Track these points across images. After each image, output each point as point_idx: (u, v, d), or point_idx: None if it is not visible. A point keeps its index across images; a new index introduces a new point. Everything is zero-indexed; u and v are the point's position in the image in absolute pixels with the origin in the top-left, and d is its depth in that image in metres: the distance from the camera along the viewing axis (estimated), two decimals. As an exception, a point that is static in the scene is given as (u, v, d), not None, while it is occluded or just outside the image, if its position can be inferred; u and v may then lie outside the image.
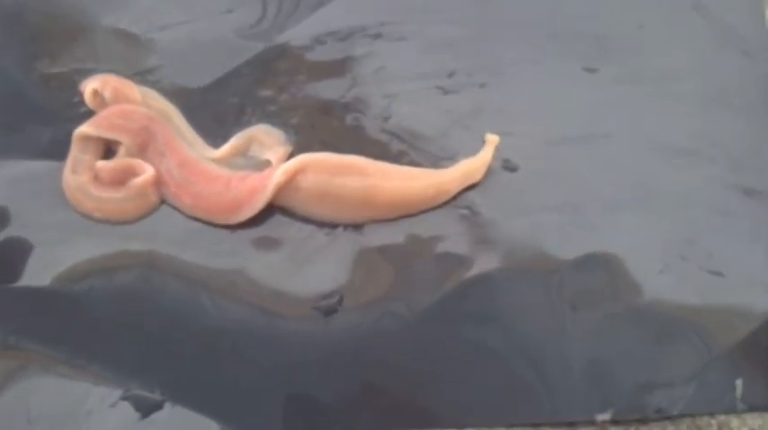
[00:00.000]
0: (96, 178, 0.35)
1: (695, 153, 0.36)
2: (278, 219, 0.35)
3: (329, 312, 0.33)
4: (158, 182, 0.35)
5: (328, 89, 0.38)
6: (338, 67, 0.38)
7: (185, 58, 0.38)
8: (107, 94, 0.36)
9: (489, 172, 0.36)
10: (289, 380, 0.33)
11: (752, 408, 0.32)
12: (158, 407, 0.32)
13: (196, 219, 0.35)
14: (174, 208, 0.35)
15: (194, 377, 0.33)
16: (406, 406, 0.32)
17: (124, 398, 0.32)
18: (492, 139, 0.36)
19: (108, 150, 0.36)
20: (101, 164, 0.35)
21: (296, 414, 0.32)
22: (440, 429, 0.32)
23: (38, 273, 0.34)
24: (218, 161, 0.36)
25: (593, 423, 0.32)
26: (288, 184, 0.34)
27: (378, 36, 0.39)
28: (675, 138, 0.36)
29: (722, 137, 0.36)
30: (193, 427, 0.32)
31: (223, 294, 0.33)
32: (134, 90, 0.37)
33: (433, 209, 0.35)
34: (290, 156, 0.36)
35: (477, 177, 0.35)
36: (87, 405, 0.32)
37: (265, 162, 0.36)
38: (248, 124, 0.37)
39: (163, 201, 0.35)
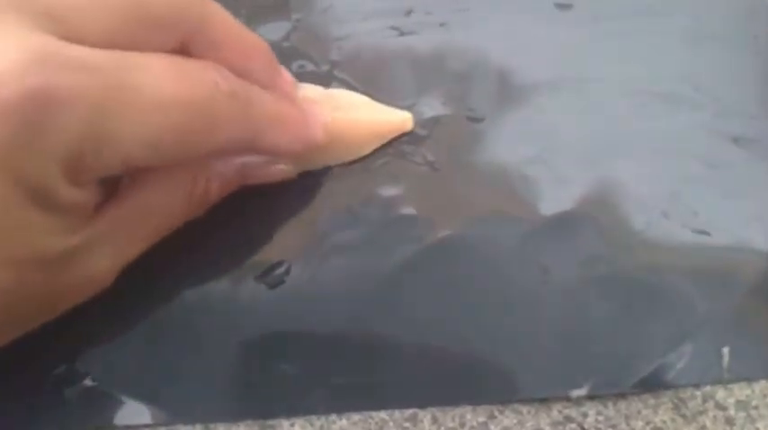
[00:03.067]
0: None
1: (679, 98, 0.32)
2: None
3: (276, 284, 0.30)
4: None
5: (270, 32, 0.34)
6: (281, 7, 0.34)
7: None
8: None
9: (453, 122, 0.32)
10: (232, 360, 0.30)
11: (739, 378, 0.29)
12: (89, 392, 0.29)
13: None
14: None
15: (126, 360, 0.29)
16: (363, 383, 0.29)
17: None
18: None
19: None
20: None
21: (242, 395, 0.29)
22: (398, 409, 0.29)
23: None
24: None
25: (567, 399, 0.29)
26: None
27: (324, -29, 0.35)
28: (657, 82, 0.33)
29: (708, 80, 0.33)
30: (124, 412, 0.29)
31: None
32: None
33: (387, 165, 0.32)
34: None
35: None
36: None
37: None
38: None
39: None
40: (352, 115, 0.31)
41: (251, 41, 0.28)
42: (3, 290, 0.23)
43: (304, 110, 0.29)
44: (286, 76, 0.30)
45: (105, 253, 0.25)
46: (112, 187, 0.26)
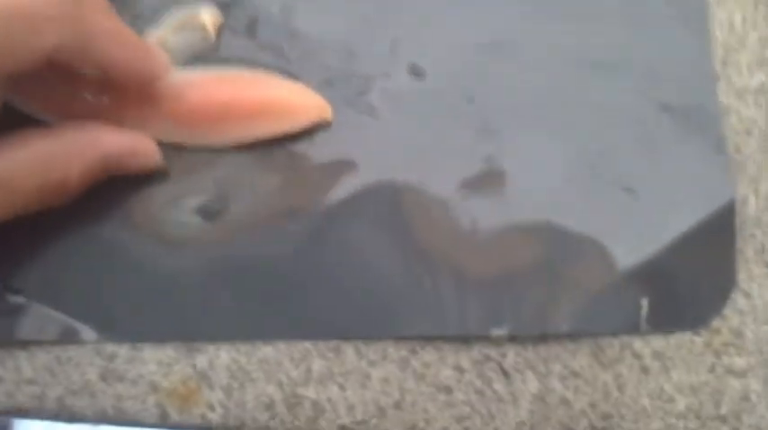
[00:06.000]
0: None
1: (611, 66, 0.34)
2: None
3: (211, 216, 0.31)
4: None
5: None
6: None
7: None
8: None
9: (396, 77, 0.33)
10: (168, 288, 0.30)
11: (656, 330, 0.30)
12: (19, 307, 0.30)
13: None
14: None
15: (57, 276, 0.30)
16: (290, 314, 0.30)
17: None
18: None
19: None
20: None
21: (170, 317, 0.30)
22: (323, 339, 0.30)
23: None
24: None
25: (488, 338, 0.30)
26: None
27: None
28: (593, 49, 0.34)
29: (640, 50, 0.34)
30: (65, 332, 0.30)
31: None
32: None
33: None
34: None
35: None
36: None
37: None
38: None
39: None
40: (260, 91, 0.32)
41: None
42: None
43: (144, 41, 0.31)
44: None
45: None
46: None
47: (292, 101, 0.32)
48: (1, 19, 0.24)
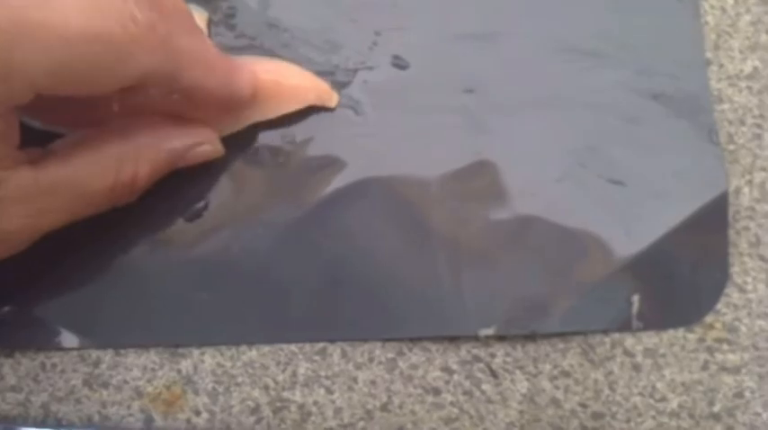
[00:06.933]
0: None
1: (601, 55, 0.33)
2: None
3: (194, 218, 0.30)
4: None
5: None
6: None
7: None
8: None
9: (379, 69, 0.32)
10: (145, 288, 0.30)
11: (648, 327, 0.30)
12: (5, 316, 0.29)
13: None
14: None
15: (45, 287, 0.30)
16: (274, 316, 0.30)
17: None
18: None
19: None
20: None
21: (153, 322, 0.30)
22: (308, 343, 0.29)
23: None
24: None
25: (476, 339, 0.29)
26: None
27: None
28: (581, 38, 0.33)
29: (630, 38, 0.33)
30: (49, 339, 0.29)
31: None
32: None
33: (312, 109, 0.32)
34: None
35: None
36: None
37: None
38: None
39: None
40: (279, 77, 0.32)
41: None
42: None
43: (231, 58, 0.30)
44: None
45: (18, 212, 0.25)
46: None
47: (302, 84, 0.32)
48: (86, 47, 0.23)
